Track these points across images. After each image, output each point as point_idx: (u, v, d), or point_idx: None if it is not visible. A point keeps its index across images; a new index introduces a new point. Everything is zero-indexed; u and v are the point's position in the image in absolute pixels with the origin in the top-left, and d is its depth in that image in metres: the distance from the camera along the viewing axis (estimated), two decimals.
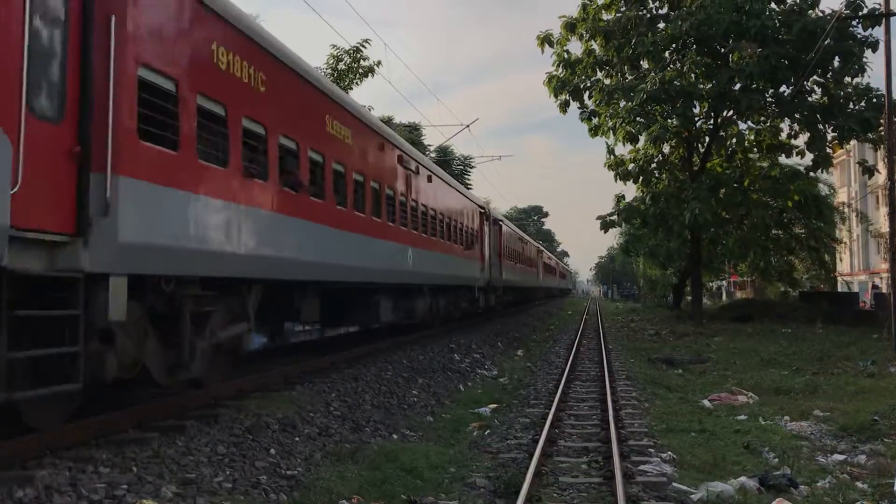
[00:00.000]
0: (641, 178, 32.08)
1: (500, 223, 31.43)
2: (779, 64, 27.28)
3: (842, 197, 53.63)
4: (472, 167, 50.70)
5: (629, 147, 31.57)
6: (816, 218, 33.69)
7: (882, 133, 28.00)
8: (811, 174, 31.10)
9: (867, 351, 19.87)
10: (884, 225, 36.41)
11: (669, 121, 29.65)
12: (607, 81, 31.20)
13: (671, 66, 29.91)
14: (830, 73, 28.42)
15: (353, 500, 6.74)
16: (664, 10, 30.82)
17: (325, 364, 12.87)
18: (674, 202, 29.40)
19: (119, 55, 6.51)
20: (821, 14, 28.19)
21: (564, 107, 31.25)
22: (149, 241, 6.92)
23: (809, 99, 29.46)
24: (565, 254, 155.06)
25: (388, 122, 32.30)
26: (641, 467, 8.28)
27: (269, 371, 11.35)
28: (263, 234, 9.18)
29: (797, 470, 8.35)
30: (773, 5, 28.66)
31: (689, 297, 39.36)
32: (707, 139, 31.99)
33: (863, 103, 28.12)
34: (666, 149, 32.25)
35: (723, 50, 28.74)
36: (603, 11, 30.53)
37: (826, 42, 25.54)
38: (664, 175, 33.10)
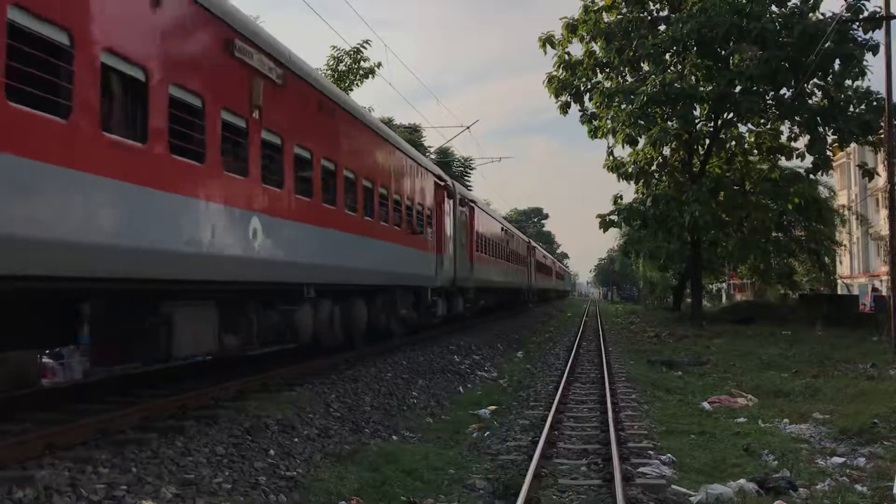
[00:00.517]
0: (642, 179, 32.11)
1: (473, 206, 25.36)
2: (779, 66, 27.32)
3: (842, 199, 53.61)
4: (472, 169, 50.74)
5: (629, 149, 31.63)
6: (816, 220, 33.71)
7: (882, 136, 28.05)
8: (811, 177, 31.12)
9: (867, 353, 19.85)
10: (884, 227, 36.38)
11: (669, 123, 29.66)
12: (608, 84, 31.24)
13: (671, 68, 29.94)
14: (831, 76, 28.45)
15: (353, 502, 6.74)
16: (665, 13, 30.85)
17: (324, 365, 12.87)
18: (674, 204, 29.41)
19: None
20: (821, 17, 28.23)
21: (565, 108, 31.30)
22: None
23: (810, 102, 29.49)
24: (565, 255, 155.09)
25: (388, 122, 32.29)
26: (641, 469, 8.28)
27: (269, 372, 11.35)
28: None
29: (796, 472, 8.35)
30: (773, 8, 28.71)
31: (689, 300, 39.35)
32: (707, 141, 32.01)
33: (863, 106, 28.16)
34: (666, 151, 32.27)
35: (723, 52, 28.76)
36: (604, 13, 30.55)
37: (826, 45, 25.56)
38: (664, 177, 33.13)
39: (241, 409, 8.78)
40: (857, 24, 27.16)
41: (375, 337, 15.24)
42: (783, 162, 32.41)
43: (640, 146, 30.86)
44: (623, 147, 31.09)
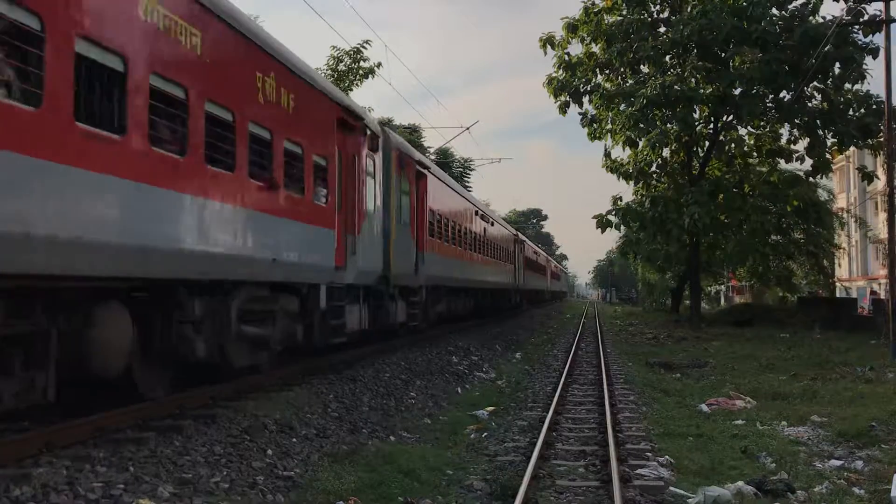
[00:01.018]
0: (641, 180, 32.15)
1: (426, 173, 18.46)
2: (779, 69, 27.36)
3: (841, 202, 53.65)
4: (471, 169, 50.76)
5: (627, 150, 31.67)
6: (815, 223, 33.76)
7: (881, 139, 28.09)
8: (810, 180, 31.16)
9: (865, 357, 19.86)
10: (882, 231, 36.42)
11: (669, 125, 29.69)
12: (607, 85, 31.28)
13: (672, 70, 29.97)
14: (831, 79, 28.51)
15: (350, 502, 6.74)
16: (665, 14, 30.89)
17: (322, 365, 12.86)
18: (673, 206, 29.44)
19: None
20: (822, 20, 28.27)
21: (564, 108, 31.31)
22: None
23: (809, 104, 29.56)
24: (564, 257, 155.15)
25: (387, 123, 32.30)
26: (639, 471, 8.27)
27: (267, 372, 11.33)
28: None
29: (794, 475, 8.35)
30: (774, 11, 28.75)
31: (688, 302, 39.37)
32: (707, 144, 32.04)
33: (863, 109, 28.22)
34: (665, 153, 32.31)
35: (724, 55, 28.79)
36: (604, 14, 30.58)
37: (827, 48, 25.59)
38: (664, 179, 33.16)
39: (239, 408, 8.78)
40: (858, 27, 27.20)
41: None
42: (782, 165, 32.48)
43: (639, 148, 30.89)
44: (623, 149, 31.16)
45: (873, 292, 50.20)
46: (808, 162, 29.82)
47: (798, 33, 27.06)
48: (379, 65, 26.56)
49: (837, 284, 52.80)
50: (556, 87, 30.97)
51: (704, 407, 12.87)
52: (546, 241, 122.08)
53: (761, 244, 32.93)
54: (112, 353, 7.45)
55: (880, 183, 33.66)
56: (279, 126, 9.99)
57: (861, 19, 26.63)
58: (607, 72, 31.60)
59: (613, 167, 32.30)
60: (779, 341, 24.55)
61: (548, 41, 31.25)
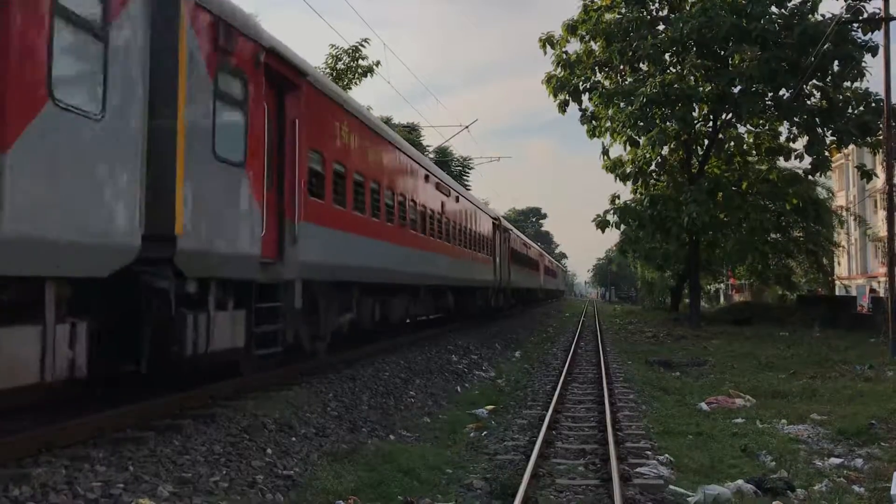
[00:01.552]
0: (640, 179, 32.15)
1: (296, 80, 10.57)
2: (779, 67, 27.34)
3: (840, 200, 53.64)
4: (470, 168, 50.72)
5: (626, 148, 31.64)
6: (815, 221, 33.74)
7: (881, 137, 28.08)
8: (810, 178, 31.14)
9: (865, 355, 19.88)
10: (882, 229, 36.44)
11: (668, 124, 29.68)
12: (606, 83, 31.26)
13: (671, 68, 29.96)
14: (830, 77, 28.49)
15: (350, 501, 6.73)
16: (664, 12, 30.87)
17: (322, 364, 12.85)
18: (672, 205, 29.43)
19: None
20: (821, 18, 28.25)
21: (563, 107, 31.29)
22: None
23: (809, 102, 29.53)
24: (564, 255, 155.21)
25: (386, 122, 32.28)
26: (638, 470, 8.27)
27: (267, 371, 11.33)
28: None
29: (794, 473, 8.34)
30: (773, 9, 28.72)
31: (688, 300, 39.38)
32: (706, 142, 32.03)
33: (862, 107, 28.20)
34: (665, 151, 32.28)
35: (723, 53, 28.78)
36: (604, 12, 30.56)
37: (826, 46, 25.58)
38: (663, 177, 33.15)
39: (238, 408, 8.77)
40: (857, 25, 27.18)
41: None
42: (782, 162, 32.47)
43: (640, 147, 30.88)
44: (625, 148, 31.15)
45: (873, 290, 50.20)
46: (808, 160, 29.80)
47: (797, 31, 27.05)
48: (378, 63, 26.54)
49: (837, 283, 52.83)
50: (556, 86, 30.95)
51: (704, 405, 12.87)
52: (545, 240, 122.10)
53: (761, 242, 32.90)
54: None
55: (879, 181, 33.65)
56: None
57: (860, 17, 26.64)
58: (606, 69, 31.58)
59: (612, 167, 32.28)
60: (778, 340, 24.57)
61: (547, 41, 31.24)
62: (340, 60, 26.27)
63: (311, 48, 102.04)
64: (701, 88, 29.25)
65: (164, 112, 7.32)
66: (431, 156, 36.34)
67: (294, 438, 8.39)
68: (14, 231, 5.38)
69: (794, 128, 30.28)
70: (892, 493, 7.28)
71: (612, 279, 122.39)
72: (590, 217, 31.56)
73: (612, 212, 31.82)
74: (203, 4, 7.97)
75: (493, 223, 30.79)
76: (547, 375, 16.93)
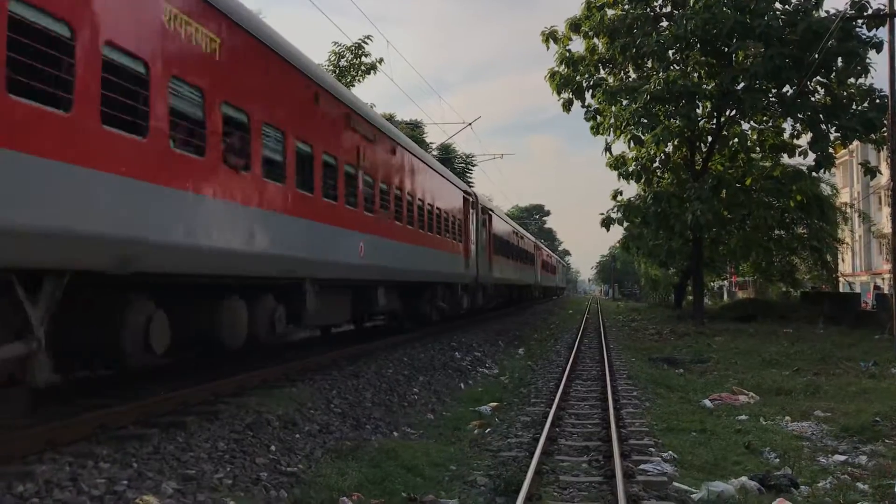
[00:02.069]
0: (643, 177, 32.08)
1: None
2: (782, 64, 27.24)
3: (844, 197, 53.60)
4: (473, 165, 50.75)
5: (629, 145, 31.57)
6: (819, 218, 33.66)
7: (885, 133, 27.99)
8: (814, 174, 31.06)
9: (869, 352, 19.83)
10: (886, 226, 36.37)
11: (672, 121, 29.60)
12: (610, 79, 31.19)
13: (675, 65, 29.88)
14: (834, 74, 28.37)
15: (354, 498, 6.73)
16: (668, 9, 30.79)
17: (325, 361, 12.87)
18: (675, 202, 29.37)
19: None
20: (825, 14, 28.16)
21: (567, 106, 31.22)
22: None
23: (813, 99, 29.43)
24: (567, 252, 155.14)
25: (389, 119, 32.28)
26: (642, 466, 8.27)
27: (270, 367, 11.35)
28: None
29: (798, 470, 8.33)
30: (777, 5, 28.63)
31: (691, 297, 39.33)
32: (710, 139, 31.96)
33: (866, 104, 28.09)
34: (668, 148, 32.21)
35: (727, 49, 28.70)
36: (607, 9, 30.48)
37: (830, 42, 25.49)
38: (666, 174, 33.08)
39: (242, 404, 8.78)
40: (861, 21, 27.08)
41: None
42: (785, 159, 32.37)
43: (644, 146, 30.82)
44: (629, 146, 31.08)
45: (877, 287, 50.16)
46: (812, 157, 29.72)
47: (801, 27, 26.94)
48: (381, 60, 26.50)
49: (841, 279, 52.75)
50: (559, 83, 30.88)
51: (708, 402, 12.86)
52: (549, 237, 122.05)
53: (764, 239, 32.81)
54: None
55: (884, 178, 33.57)
56: None
57: (865, 13, 26.53)
58: (610, 66, 31.50)
59: (615, 164, 32.23)
60: (782, 336, 24.52)
61: (550, 36, 31.16)
62: (343, 58, 26.24)
63: (313, 45, 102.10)
64: (705, 85, 29.16)
65: None
66: (435, 153, 36.27)
67: (298, 435, 8.40)
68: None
69: (798, 124, 30.17)
70: None
71: (615, 276, 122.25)
72: (594, 214, 31.58)
73: (615, 209, 31.76)
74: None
75: (465, 198, 23.72)
76: (550, 372, 16.93)
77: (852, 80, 28.25)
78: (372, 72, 26.44)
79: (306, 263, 11.25)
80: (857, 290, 52.14)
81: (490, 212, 29.46)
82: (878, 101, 27.56)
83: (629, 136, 30.13)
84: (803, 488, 7.65)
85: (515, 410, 12.11)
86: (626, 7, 30.21)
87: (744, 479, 7.76)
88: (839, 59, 27.56)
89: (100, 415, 7.41)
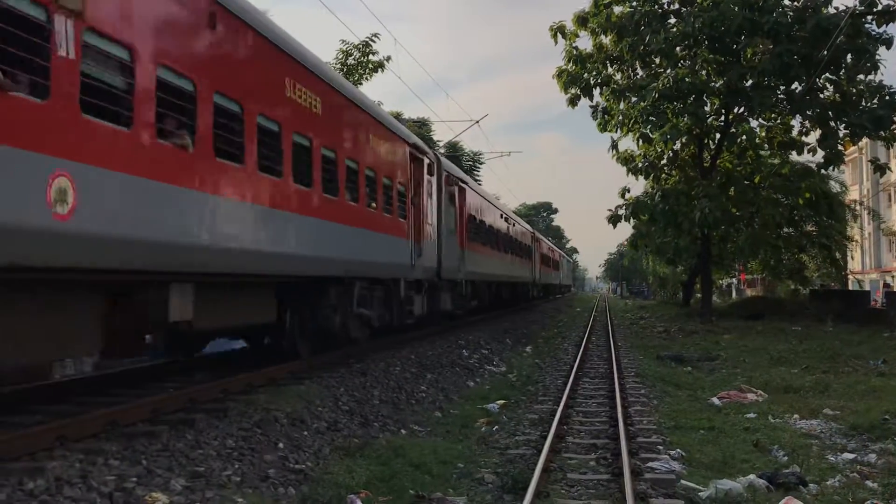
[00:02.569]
0: (651, 174, 32.01)
1: None
2: (791, 61, 27.11)
3: (853, 194, 53.29)
4: (481, 163, 50.70)
5: (638, 145, 31.50)
6: (828, 216, 33.49)
7: (895, 131, 27.86)
8: (823, 171, 30.92)
9: (878, 350, 19.74)
10: (895, 223, 36.35)
11: (680, 118, 29.50)
12: (618, 76, 31.11)
13: (682, 62, 29.77)
14: (843, 70, 28.23)
15: (362, 495, 6.75)
16: (676, 6, 30.68)
17: (333, 359, 12.89)
18: (683, 199, 29.27)
19: None
20: (834, 11, 28.01)
21: (574, 101, 31.16)
22: None
23: (822, 96, 29.29)
24: (575, 250, 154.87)
25: (397, 117, 32.28)
26: (650, 464, 8.26)
27: (278, 365, 11.37)
28: None
29: (807, 468, 8.31)
30: (786, 1, 28.49)
31: (699, 295, 39.21)
32: (718, 136, 31.85)
33: (875, 101, 27.94)
34: (676, 145, 32.10)
35: (735, 46, 28.58)
36: (614, 6, 30.39)
37: (839, 39, 25.36)
38: (674, 172, 32.99)
39: (250, 402, 8.81)
40: (871, 17, 26.93)
41: None
42: (794, 156, 32.23)
43: (652, 144, 30.73)
44: (638, 145, 31.00)
45: (886, 285, 49.91)
46: (820, 154, 29.58)
47: (810, 24, 26.80)
48: (388, 58, 26.46)
49: (850, 277, 52.51)
50: (567, 80, 30.83)
51: (716, 400, 12.84)
52: (556, 235, 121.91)
53: (773, 237, 32.67)
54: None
55: (893, 175, 33.49)
56: None
57: (874, 9, 26.39)
58: (618, 63, 31.40)
59: (625, 159, 32.20)
60: (791, 334, 24.42)
61: (559, 30, 31.10)
62: (351, 56, 26.23)
63: (321, 43, 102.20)
64: (713, 83, 29.05)
65: None
66: (442, 151, 36.23)
67: (306, 432, 8.42)
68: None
69: (807, 121, 30.04)
70: None
71: (623, 274, 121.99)
72: (602, 212, 31.45)
73: (623, 206, 31.67)
74: None
75: (413, 156, 16.57)
76: (558, 370, 16.92)
77: (861, 76, 28.09)
78: (379, 70, 26.40)
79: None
80: (867, 287, 51.85)
81: (461, 184, 21.92)
82: (887, 97, 27.41)
83: (637, 134, 30.06)
84: (812, 486, 7.64)
85: (523, 408, 12.11)
86: (634, 4, 30.11)
87: (752, 477, 7.75)
88: (848, 55, 27.41)
89: (109, 412, 7.45)
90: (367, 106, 14.03)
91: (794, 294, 42.58)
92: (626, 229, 38.76)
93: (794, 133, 31.53)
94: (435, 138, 41.89)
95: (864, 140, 35.28)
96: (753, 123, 32.04)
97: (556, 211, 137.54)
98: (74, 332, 7.14)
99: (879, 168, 30.17)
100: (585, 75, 30.80)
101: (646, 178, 32.00)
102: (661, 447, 9.18)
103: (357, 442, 8.60)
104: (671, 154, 32.61)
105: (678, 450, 9.06)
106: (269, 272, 9.90)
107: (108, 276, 7.01)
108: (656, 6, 30.26)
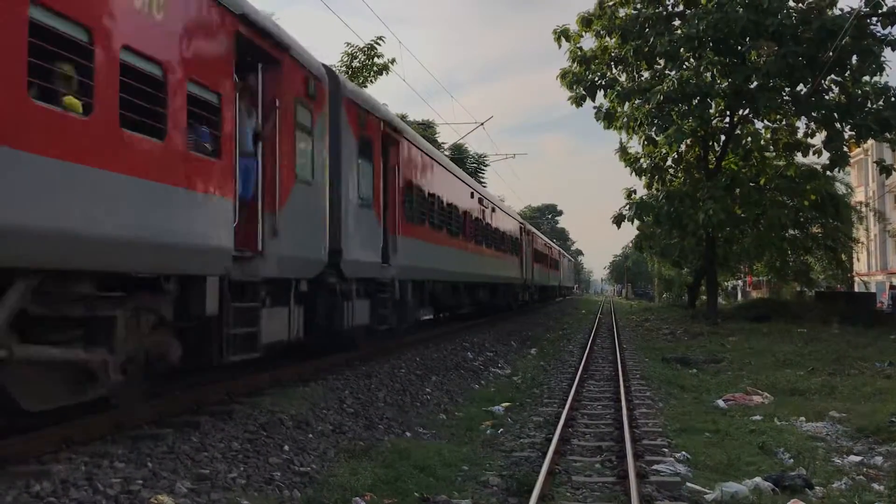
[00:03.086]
0: (656, 175, 31.98)
1: None
2: (796, 62, 27.08)
3: (859, 196, 53.17)
4: (486, 165, 50.63)
5: (643, 147, 31.49)
6: (833, 217, 33.43)
7: None
8: (828, 173, 30.86)
9: (884, 352, 19.69)
10: None
11: (685, 121, 29.46)
12: (622, 78, 31.09)
13: (687, 64, 29.75)
14: (848, 72, 28.18)
15: (367, 498, 6.75)
16: (680, 8, 30.66)
17: (338, 361, 12.90)
18: (688, 201, 29.24)
19: None
20: (839, 12, 27.96)
21: (579, 101, 31.12)
22: None
23: (827, 98, 29.24)
24: (580, 252, 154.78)
25: (402, 118, 32.28)
26: (655, 467, 8.25)
27: (284, 367, 11.39)
28: None
29: (812, 471, 8.29)
30: (791, 3, 28.45)
31: (705, 297, 39.14)
32: (723, 138, 31.81)
33: (881, 102, 27.88)
34: (682, 147, 32.06)
35: (740, 48, 28.54)
36: (619, 8, 30.38)
37: (844, 40, 25.32)
38: (679, 174, 32.95)
39: (255, 404, 8.83)
40: (876, 18, 26.88)
41: None
42: (799, 158, 32.18)
43: (658, 146, 30.71)
44: (643, 146, 30.99)
45: (892, 287, 49.73)
46: (826, 155, 29.51)
47: (815, 26, 26.76)
48: (393, 61, 26.50)
49: (856, 279, 52.39)
50: (571, 81, 30.82)
51: (721, 402, 12.81)
52: (561, 237, 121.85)
53: (778, 239, 32.60)
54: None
55: None
56: None
57: (880, 10, 26.34)
58: (622, 66, 31.39)
59: (629, 160, 32.18)
60: (796, 336, 24.37)
61: (562, 34, 31.10)
62: (356, 58, 26.27)
63: (326, 45, 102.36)
64: (718, 85, 29.02)
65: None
66: (447, 153, 36.22)
67: (311, 435, 8.43)
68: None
69: (812, 123, 29.99)
70: None
71: (628, 276, 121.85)
72: (607, 214, 31.41)
73: (628, 207, 31.63)
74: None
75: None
76: (563, 373, 16.90)
77: (867, 78, 28.04)
78: (384, 72, 26.44)
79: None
80: (873, 289, 51.73)
81: (394, 133, 14.69)
82: (893, 98, 27.36)
83: (642, 137, 30.06)
84: (818, 489, 7.61)
85: (528, 411, 12.10)
86: (639, 6, 30.10)
87: (758, 479, 7.72)
88: (854, 57, 27.37)
89: (115, 414, 7.46)
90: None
91: (800, 296, 42.52)
92: (631, 231, 38.95)
93: (800, 135, 31.48)
94: (440, 140, 41.90)
95: (870, 141, 35.17)
96: (759, 125, 32.05)
97: (560, 213, 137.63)
98: None
99: (885, 169, 30.08)
100: (590, 76, 30.78)
101: (650, 179, 31.96)
102: (666, 450, 9.16)
103: (362, 444, 8.60)
104: (676, 156, 32.58)
105: (683, 452, 9.04)
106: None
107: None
108: (660, 8, 30.25)
